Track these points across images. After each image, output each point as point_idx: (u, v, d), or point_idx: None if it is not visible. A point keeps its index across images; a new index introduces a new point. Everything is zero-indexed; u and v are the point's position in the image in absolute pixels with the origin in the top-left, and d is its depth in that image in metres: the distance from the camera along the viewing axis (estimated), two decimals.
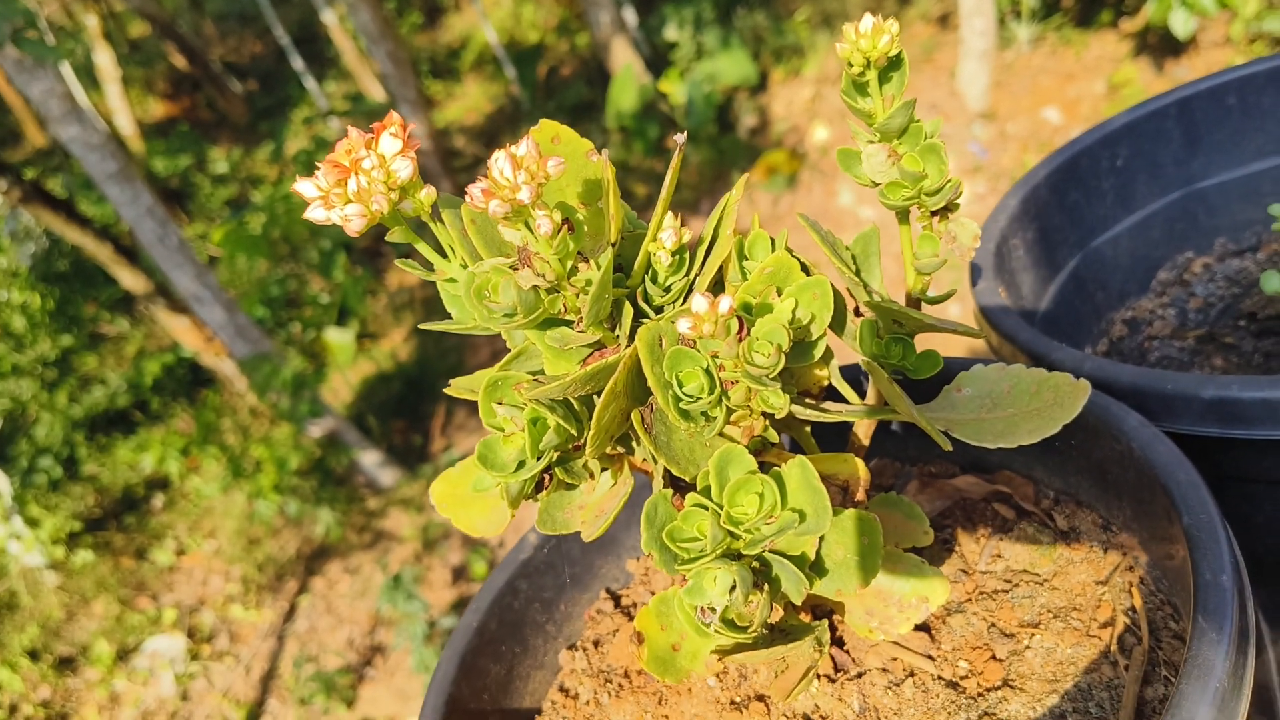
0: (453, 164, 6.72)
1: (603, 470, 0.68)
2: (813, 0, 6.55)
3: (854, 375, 0.80)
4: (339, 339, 5.79)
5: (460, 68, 8.40)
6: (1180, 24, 4.57)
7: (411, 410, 5.45)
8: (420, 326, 0.63)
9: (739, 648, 0.59)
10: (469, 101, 7.95)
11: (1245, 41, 4.80)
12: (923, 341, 0.68)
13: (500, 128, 7.38)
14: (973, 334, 0.63)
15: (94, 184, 3.80)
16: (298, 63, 7.81)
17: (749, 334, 0.55)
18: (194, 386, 6.08)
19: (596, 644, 0.86)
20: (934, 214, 0.62)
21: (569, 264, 0.57)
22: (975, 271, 0.91)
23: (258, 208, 6.59)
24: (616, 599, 0.90)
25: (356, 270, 6.19)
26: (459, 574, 4.14)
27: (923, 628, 0.74)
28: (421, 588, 4.13)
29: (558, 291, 0.58)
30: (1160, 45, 4.97)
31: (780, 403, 0.57)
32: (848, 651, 0.74)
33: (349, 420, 4.94)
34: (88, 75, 8.08)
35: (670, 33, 6.38)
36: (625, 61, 6.26)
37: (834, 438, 0.78)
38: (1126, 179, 1.04)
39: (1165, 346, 0.99)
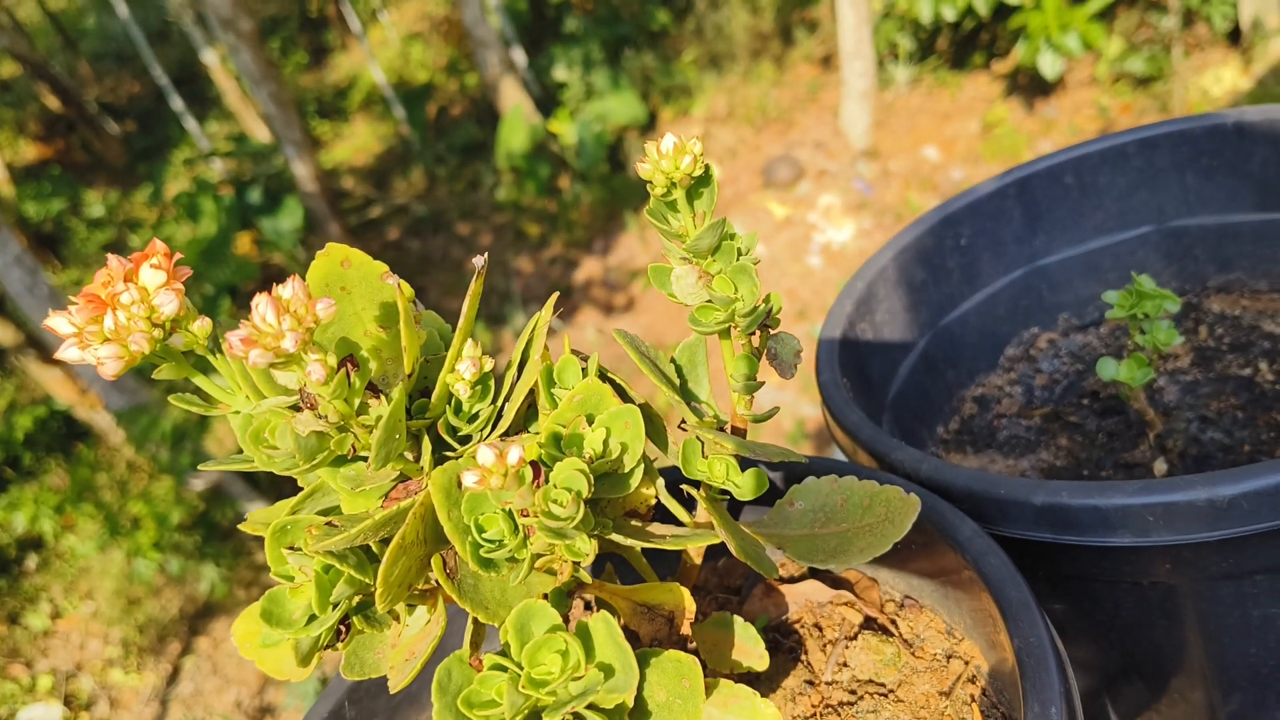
0: (341, 205, 6.60)
1: (415, 607, 0.63)
2: (700, 41, 6.63)
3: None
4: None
5: (348, 108, 8.27)
6: (1048, 65, 4.75)
7: None
8: (200, 468, 0.57)
9: None
10: (358, 142, 7.83)
11: (1110, 81, 5.01)
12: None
13: (390, 168, 7.27)
14: (794, 457, 0.61)
15: None
16: (177, 103, 7.59)
17: (546, 481, 0.51)
18: (68, 440, 5.81)
19: None
20: (751, 332, 0.60)
21: (356, 401, 0.53)
22: (820, 360, 0.90)
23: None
24: None
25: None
26: None
27: None
28: None
29: (347, 430, 0.54)
30: (1030, 85, 5.16)
31: (586, 549, 0.53)
32: None
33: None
34: None
35: (559, 73, 6.39)
36: (515, 102, 6.24)
37: (669, 555, 0.75)
38: (971, 257, 1.04)
39: (1013, 425, 0.99)
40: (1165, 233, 1.03)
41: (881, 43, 5.61)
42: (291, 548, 0.57)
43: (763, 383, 0.60)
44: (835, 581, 0.81)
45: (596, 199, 5.90)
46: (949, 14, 4.90)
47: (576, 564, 0.57)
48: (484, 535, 0.53)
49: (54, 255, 7.12)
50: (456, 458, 0.58)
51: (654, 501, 0.66)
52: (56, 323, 0.53)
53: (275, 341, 0.47)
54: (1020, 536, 0.70)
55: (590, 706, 0.55)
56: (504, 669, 0.51)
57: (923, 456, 0.74)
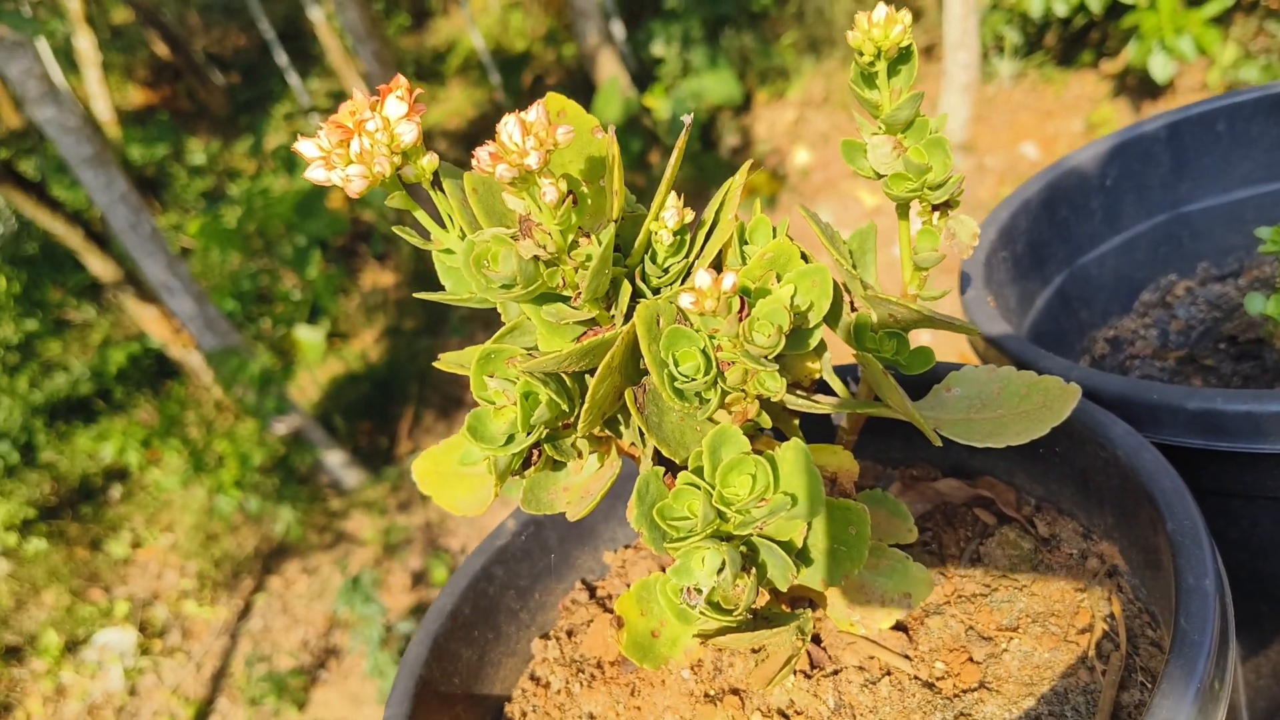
0: None
1: (590, 453, 0.67)
2: (800, 24, 6.61)
3: (843, 376, 0.80)
4: (309, 337, 5.75)
5: (445, 71, 8.39)
6: (1159, 68, 4.65)
7: (379, 412, 5.39)
8: (415, 295, 0.62)
9: (722, 631, 0.58)
10: (453, 105, 7.94)
11: (1221, 88, 4.89)
12: (914, 342, 0.68)
13: (483, 133, 7.37)
14: (967, 330, 0.63)
15: (68, 167, 3.75)
16: (281, 58, 7.77)
17: (749, 313, 0.55)
18: (159, 378, 5.99)
19: (570, 634, 0.85)
20: (935, 209, 0.63)
21: (570, 237, 0.57)
22: (965, 280, 0.92)
23: (234, 201, 6.54)
24: (592, 590, 0.89)
25: (330, 269, 6.15)
26: (419, 579, 4.10)
27: (900, 628, 0.73)
28: (380, 591, 4.08)
29: (557, 265, 0.58)
30: (1138, 88, 5.05)
31: (776, 385, 0.57)
32: (824, 649, 0.73)
33: (315, 419, 4.88)
34: (67, 59, 7.99)
35: (657, 48, 6.41)
36: (611, 74, 6.28)
37: (819, 438, 0.78)
38: (1115, 199, 1.05)
39: (1146, 366, 1.00)
40: None
41: (987, 35, 5.54)
42: (491, 376, 0.61)
43: (942, 256, 0.63)
44: (972, 483, 0.83)
45: (686, 176, 5.92)
46: (1060, 9, 4.82)
47: (759, 403, 0.61)
48: (680, 369, 0.56)
49: (155, 199, 7.35)
50: None
51: (818, 376, 0.69)
52: (304, 147, 0.57)
53: (520, 158, 0.51)
54: (1167, 442, 0.72)
55: (764, 537, 0.58)
56: (696, 487, 0.55)
57: (1070, 365, 0.77)
